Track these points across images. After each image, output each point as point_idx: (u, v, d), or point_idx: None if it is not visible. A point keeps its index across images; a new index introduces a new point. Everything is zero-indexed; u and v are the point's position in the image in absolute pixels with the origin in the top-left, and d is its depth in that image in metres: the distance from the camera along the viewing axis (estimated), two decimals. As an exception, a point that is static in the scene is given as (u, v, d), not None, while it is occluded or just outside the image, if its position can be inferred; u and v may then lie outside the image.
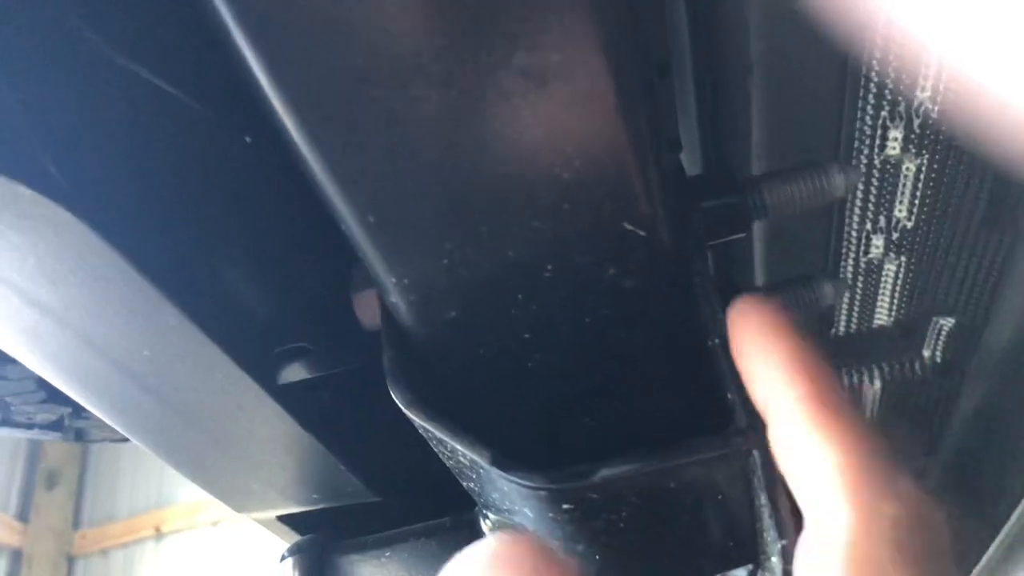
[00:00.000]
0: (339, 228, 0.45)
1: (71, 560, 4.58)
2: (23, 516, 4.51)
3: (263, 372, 0.49)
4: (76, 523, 4.69)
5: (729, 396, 0.44)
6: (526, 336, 0.47)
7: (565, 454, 0.46)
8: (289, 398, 0.52)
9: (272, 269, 0.52)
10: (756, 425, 0.42)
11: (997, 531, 0.82)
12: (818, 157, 0.83)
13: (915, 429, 1.40)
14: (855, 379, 1.28)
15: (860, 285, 1.11)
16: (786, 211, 0.53)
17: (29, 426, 1.06)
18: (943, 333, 1.22)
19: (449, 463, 0.53)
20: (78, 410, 1.03)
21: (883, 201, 0.95)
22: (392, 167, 0.38)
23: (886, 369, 1.28)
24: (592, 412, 0.49)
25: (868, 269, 1.06)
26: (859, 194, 0.94)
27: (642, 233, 0.43)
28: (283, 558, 0.66)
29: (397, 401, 0.47)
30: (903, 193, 0.94)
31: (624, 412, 0.48)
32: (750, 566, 0.57)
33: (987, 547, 0.84)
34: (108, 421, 0.54)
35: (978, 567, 0.86)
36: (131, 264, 0.39)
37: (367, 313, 0.56)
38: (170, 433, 0.54)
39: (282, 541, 0.78)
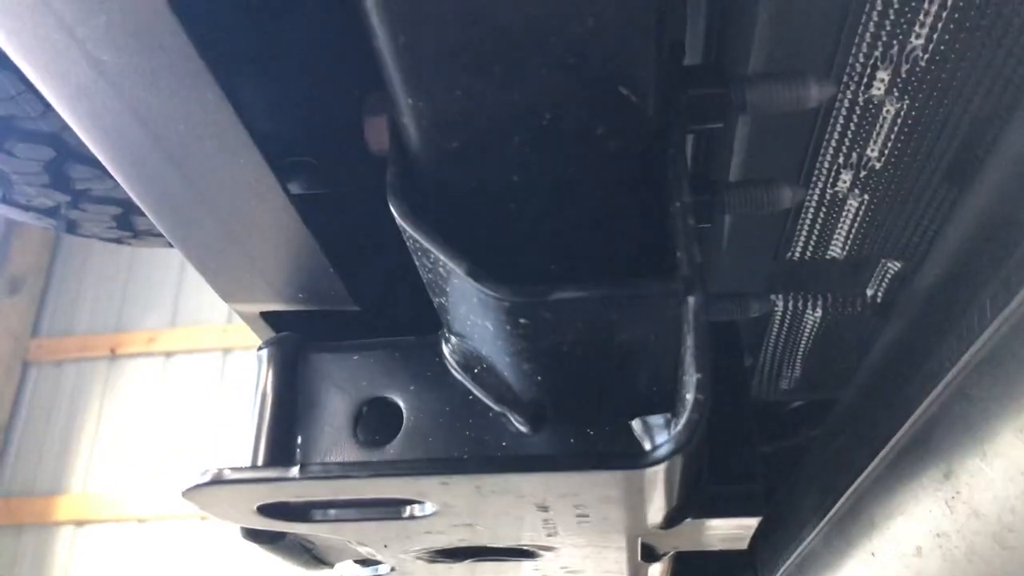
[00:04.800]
0: (366, 47, 0.50)
1: (25, 365, 4.68)
2: (-17, 316, 4.59)
3: (283, 168, 0.55)
4: (35, 331, 4.77)
5: (678, 253, 0.52)
6: (515, 178, 0.54)
7: (529, 281, 0.53)
8: (299, 197, 0.58)
9: (299, 80, 0.58)
10: (695, 278, 0.49)
11: (874, 456, 0.94)
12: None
13: (841, 362, 1.52)
14: (799, 304, 1.38)
15: (822, 216, 1.19)
16: (763, 111, 0.60)
17: (26, 208, 1.12)
18: (888, 275, 1.31)
19: (428, 277, 0.61)
20: (76, 200, 1.08)
21: (859, 138, 1.02)
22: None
23: (829, 300, 1.38)
24: (559, 251, 0.56)
25: (832, 201, 1.14)
26: (837, 128, 1.00)
27: (634, 100, 0.49)
28: (260, 348, 0.73)
29: (394, 211, 0.54)
30: (879, 134, 1.01)
31: (588, 255, 0.55)
32: (668, 415, 0.66)
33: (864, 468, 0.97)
34: (128, 187, 0.60)
35: (854, 485, 0.99)
36: (191, 39, 0.45)
37: (375, 137, 0.62)
38: (183, 209, 0.60)
39: (258, 339, 0.85)
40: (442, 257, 0.52)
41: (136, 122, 0.52)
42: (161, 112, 0.51)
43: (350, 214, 0.66)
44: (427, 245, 0.52)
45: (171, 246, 1.35)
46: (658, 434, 0.65)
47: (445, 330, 0.71)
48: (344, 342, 0.73)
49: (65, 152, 0.98)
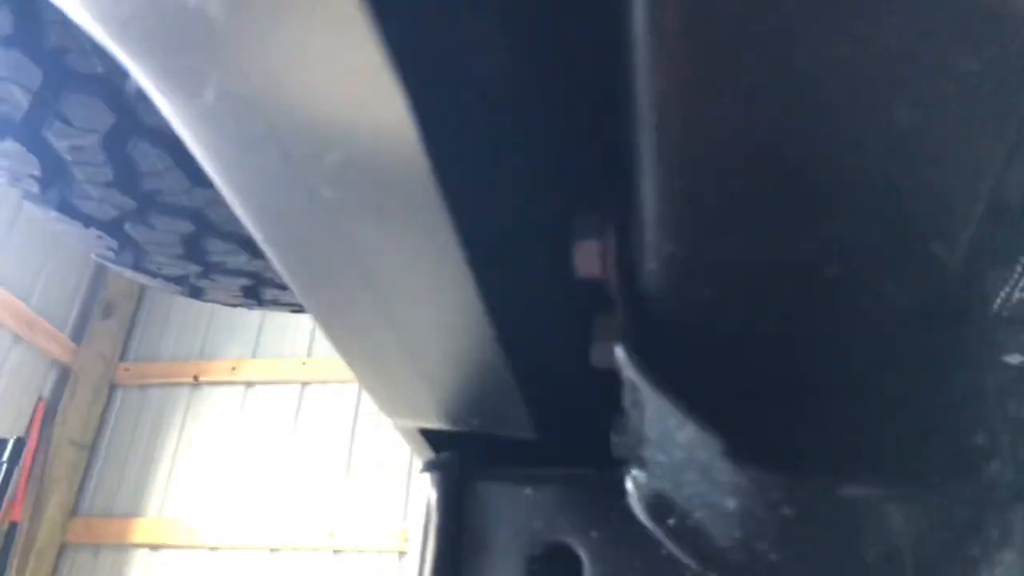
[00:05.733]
0: (621, 182, 0.43)
1: (112, 387, 4.77)
2: (76, 338, 4.69)
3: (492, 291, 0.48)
4: (123, 355, 4.86)
5: (979, 440, 0.42)
6: (772, 331, 0.45)
7: (781, 449, 0.45)
8: (507, 325, 0.51)
9: (519, 204, 0.51)
10: (1021, 477, 0.40)
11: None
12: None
13: None
14: None
15: None
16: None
17: (155, 275, 1.08)
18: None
19: (643, 428, 0.52)
20: (207, 271, 1.04)
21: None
22: (738, 133, 0.35)
23: None
24: (819, 418, 0.47)
25: None
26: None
27: (943, 258, 0.40)
28: (425, 470, 0.66)
29: (630, 366, 0.46)
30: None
31: (856, 432, 0.46)
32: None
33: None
34: (308, 302, 0.54)
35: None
36: (436, 174, 0.38)
37: (587, 263, 0.54)
38: (369, 330, 0.54)
39: (404, 444, 0.78)
40: (692, 427, 0.44)
41: (343, 249, 0.46)
42: (375, 241, 0.44)
43: (542, 339, 0.59)
44: (680, 415, 0.44)
45: (297, 311, 1.30)
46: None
47: (633, 467, 0.62)
48: (514, 470, 0.65)
49: (205, 227, 0.94)
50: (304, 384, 4.96)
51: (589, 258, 0.54)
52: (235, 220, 0.94)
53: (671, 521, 0.59)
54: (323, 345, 4.93)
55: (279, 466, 4.87)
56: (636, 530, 0.61)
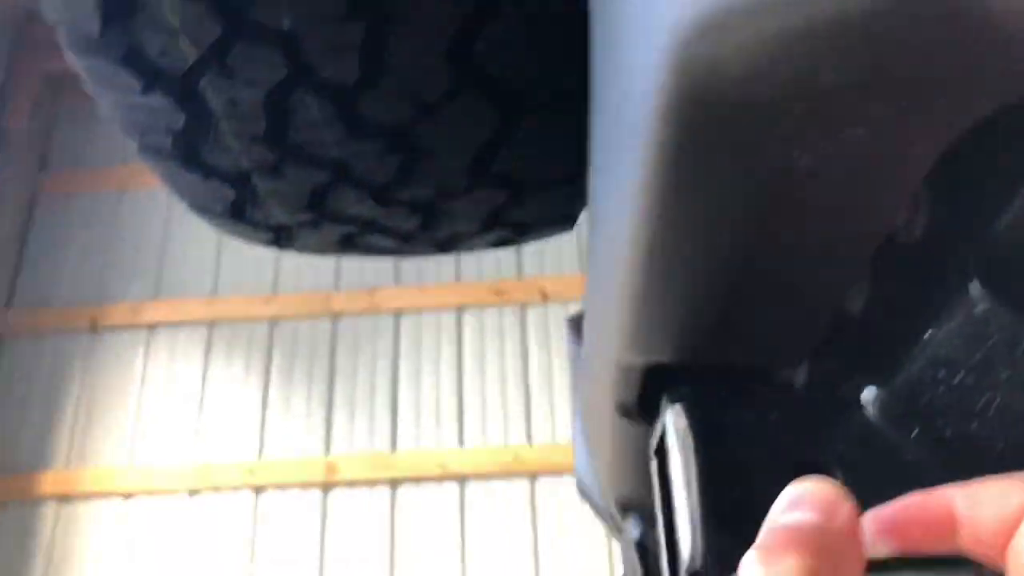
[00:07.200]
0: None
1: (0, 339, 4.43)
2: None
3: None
4: (9, 300, 4.50)
5: None
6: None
7: None
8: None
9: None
10: None
11: None
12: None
13: None
14: None
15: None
16: None
17: (257, 225, 1.04)
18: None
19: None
20: (317, 219, 1.01)
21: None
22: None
23: None
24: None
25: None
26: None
27: None
28: (672, 400, 0.70)
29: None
30: None
31: None
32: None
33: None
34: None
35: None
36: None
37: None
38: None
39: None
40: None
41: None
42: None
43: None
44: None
45: (382, 255, 1.28)
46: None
47: (868, 385, 0.70)
48: (750, 397, 0.72)
49: (341, 177, 0.92)
50: (212, 324, 4.78)
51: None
52: (379, 170, 0.93)
53: (916, 430, 0.68)
54: (231, 280, 4.75)
55: (188, 408, 4.71)
56: (879, 441, 0.69)
